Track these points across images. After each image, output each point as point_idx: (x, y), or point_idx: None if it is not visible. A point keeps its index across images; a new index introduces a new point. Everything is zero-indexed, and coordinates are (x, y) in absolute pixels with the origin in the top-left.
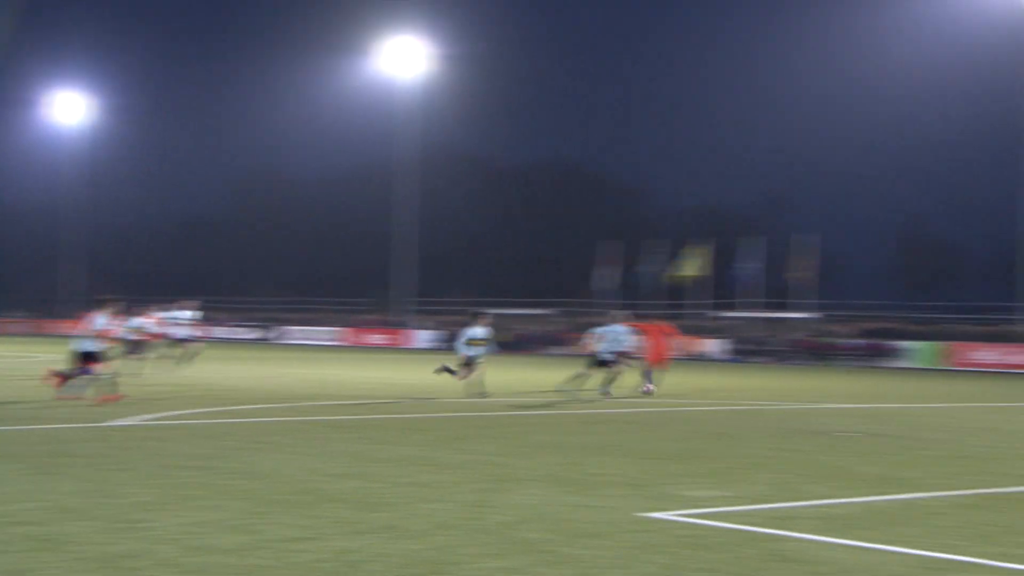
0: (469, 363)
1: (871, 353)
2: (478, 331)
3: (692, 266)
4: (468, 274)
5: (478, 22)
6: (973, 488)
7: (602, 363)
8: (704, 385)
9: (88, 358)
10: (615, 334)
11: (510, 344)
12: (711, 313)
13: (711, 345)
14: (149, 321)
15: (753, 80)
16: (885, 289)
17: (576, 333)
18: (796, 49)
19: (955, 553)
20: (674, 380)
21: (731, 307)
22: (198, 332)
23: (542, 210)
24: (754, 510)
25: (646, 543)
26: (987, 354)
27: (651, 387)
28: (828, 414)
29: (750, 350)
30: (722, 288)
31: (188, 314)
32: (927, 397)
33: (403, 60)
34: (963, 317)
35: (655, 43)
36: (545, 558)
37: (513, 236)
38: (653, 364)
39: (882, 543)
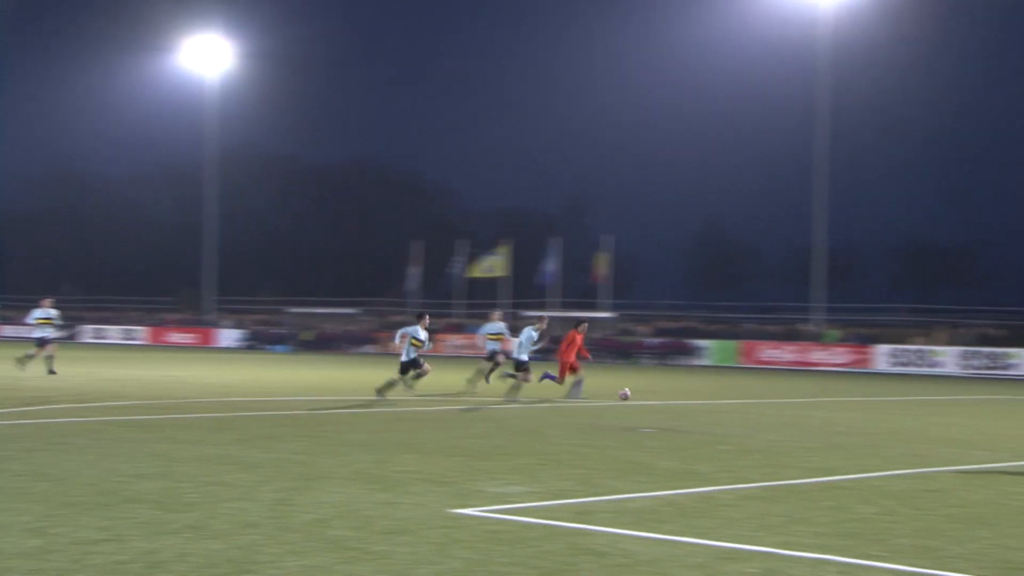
0: (415, 364)
1: (671, 351)
2: (419, 332)
3: (496, 266)
4: (274, 273)
5: (285, 20)
6: (761, 481)
7: (519, 365)
8: (509, 383)
9: None
10: (529, 337)
11: (314, 343)
12: (514, 312)
13: (514, 344)
14: None
15: (555, 85)
16: (682, 290)
17: (384, 332)
18: (598, 56)
19: (744, 543)
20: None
21: (533, 306)
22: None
23: (350, 209)
24: (558, 505)
25: (454, 539)
26: (780, 352)
27: (627, 392)
28: (629, 411)
29: (552, 349)
30: (523, 288)
31: (53, 312)
32: (723, 394)
33: (207, 57)
34: (758, 317)
35: (462, 46)
36: (352, 555)
37: (321, 235)
38: (573, 369)
39: (678, 535)
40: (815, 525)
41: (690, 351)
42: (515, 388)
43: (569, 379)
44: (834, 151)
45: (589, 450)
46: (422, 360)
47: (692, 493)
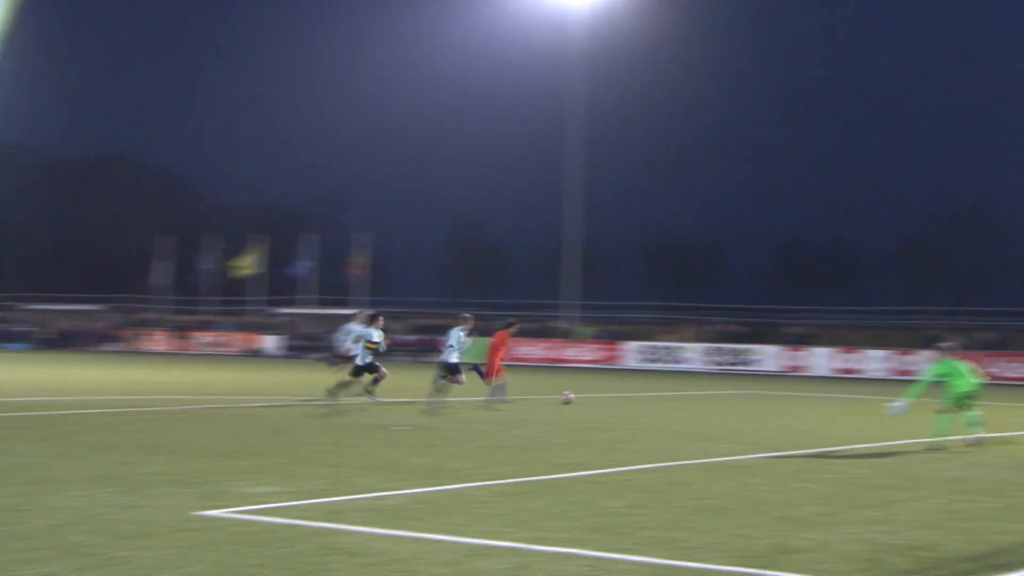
0: (372, 368)
1: (425, 349)
2: (374, 333)
3: (250, 262)
4: (12, 268)
5: (26, 4)
6: (513, 477)
7: (452, 369)
8: (260, 381)
9: None
10: (458, 338)
11: (55, 341)
12: (267, 310)
13: (267, 342)
14: None
15: (310, 79)
16: (438, 287)
17: (130, 330)
18: (354, 51)
19: (496, 539)
20: (230, 377)
21: (287, 303)
22: None
23: (94, 203)
24: (309, 504)
25: (200, 541)
26: (533, 349)
27: (570, 395)
28: (382, 409)
29: (305, 346)
30: (278, 284)
31: None
32: (473, 391)
33: None
34: (511, 314)
35: (212, 39)
36: (91, 561)
37: (63, 229)
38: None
39: (430, 532)
40: (565, 520)
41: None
42: (442, 390)
43: (495, 380)
44: (586, 151)
45: (342, 448)
46: (379, 364)
47: (445, 490)
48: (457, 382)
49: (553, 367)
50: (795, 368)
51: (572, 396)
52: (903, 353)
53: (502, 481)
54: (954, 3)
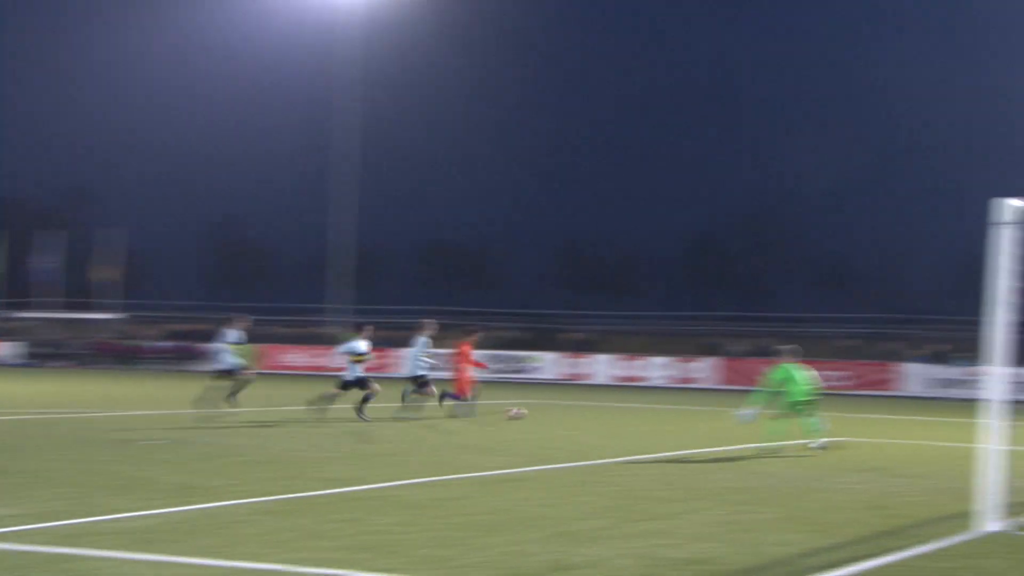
0: (362, 383)
1: (178, 356)
2: (359, 346)
3: None
4: None
5: None
6: (275, 494)
7: (420, 380)
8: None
9: None
10: (421, 350)
11: None
12: (3, 313)
13: (2, 348)
14: None
15: (53, 62)
16: (194, 289)
17: None
18: (106, 36)
19: (254, 561)
20: None
21: (26, 306)
22: None
23: None
24: (45, 528)
25: None
26: (297, 356)
27: (522, 411)
28: (130, 421)
29: (47, 353)
30: (15, 285)
31: None
32: (238, 402)
33: None
34: (276, 319)
35: None
36: None
37: None
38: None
39: (183, 555)
40: (330, 539)
41: (202, 356)
42: (415, 407)
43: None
44: (356, 148)
45: (82, 465)
46: (370, 380)
47: (199, 509)
48: (428, 394)
49: (321, 375)
50: (575, 376)
51: (519, 412)
52: (685, 360)
53: (263, 499)
54: (730, 5)
